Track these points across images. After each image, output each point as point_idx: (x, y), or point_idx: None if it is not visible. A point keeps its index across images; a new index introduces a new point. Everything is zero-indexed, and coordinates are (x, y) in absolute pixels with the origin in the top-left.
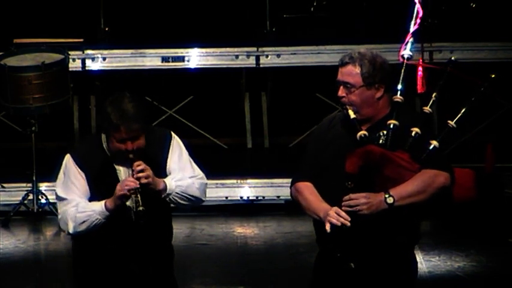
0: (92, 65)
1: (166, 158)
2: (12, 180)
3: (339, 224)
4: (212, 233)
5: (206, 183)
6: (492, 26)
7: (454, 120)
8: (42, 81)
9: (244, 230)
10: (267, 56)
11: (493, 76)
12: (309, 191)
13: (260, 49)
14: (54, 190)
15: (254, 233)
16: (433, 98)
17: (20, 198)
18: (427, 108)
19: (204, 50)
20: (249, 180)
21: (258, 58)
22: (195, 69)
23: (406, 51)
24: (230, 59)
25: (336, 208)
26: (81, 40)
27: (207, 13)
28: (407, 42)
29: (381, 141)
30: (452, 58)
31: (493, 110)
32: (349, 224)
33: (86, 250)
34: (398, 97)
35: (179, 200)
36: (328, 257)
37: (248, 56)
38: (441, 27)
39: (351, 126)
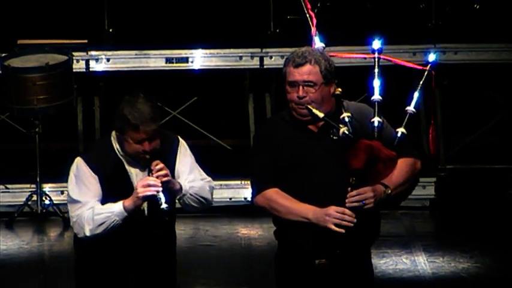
0: (96, 66)
1: (175, 160)
2: (16, 181)
3: (351, 224)
4: (216, 234)
5: (213, 187)
6: (496, 27)
7: (412, 105)
8: (46, 82)
9: (249, 231)
10: (271, 57)
11: (432, 58)
12: (282, 196)
13: (264, 50)
14: (67, 192)
15: (258, 234)
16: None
17: (24, 199)
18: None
19: (208, 51)
20: None
21: (262, 59)
22: (199, 70)
23: (318, 44)
24: (234, 60)
25: (334, 207)
26: (85, 41)
27: (211, 14)
28: (314, 36)
29: (340, 133)
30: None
31: (497, 112)
32: (355, 220)
33: (90, 250)
34: (338, 89)
35: (191, 202)
36: (293, 255)
37: (252, 57)
38: (445, 28)
39: (302, 125)
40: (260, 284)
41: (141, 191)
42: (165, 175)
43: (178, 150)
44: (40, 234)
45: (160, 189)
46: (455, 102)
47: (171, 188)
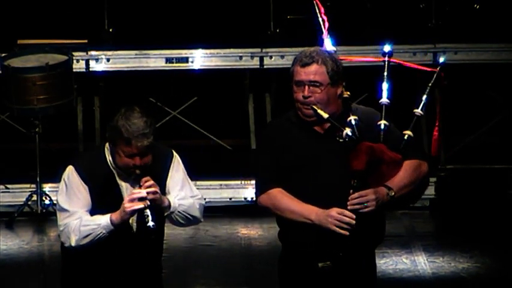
0: (96, 66)
1: (167, 176)
2: (16, 181)
3: (349, 226)
4: (216, 234)
5: (204, 205)
6: (496, 27)
7: (420, 108)
8: (46, 82)
9: (248, 231)
10: (271, 57)
11: (441, 60)
12: (286, 196)
13: (264, 50)
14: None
15: (258, 234)
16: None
17: (24, 199)
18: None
19: (208, 51)
20: (253, 181)
21: (262, 59)
22: (199, 70)
23: (330, 47)
24: (234, 60)
25: (336, 209)
26: (85, 41)
27: (211, 14)
28: (325, 39)
29: (344, 134)
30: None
31: (497, 112)
32: (354, 222)
33: (77, 259)
34: (346, 93)
35: (179, 219)
36: (297, 257)
37: (252, 57)
38: (445, 28)
39: (308, 126)
40: (260, 284)
41: (128, 206)
42: (154, 192)
43: (171, 166)
44: (40, 234)
45: (148, 203)
46: (455, 102)
47: (159, 205)
